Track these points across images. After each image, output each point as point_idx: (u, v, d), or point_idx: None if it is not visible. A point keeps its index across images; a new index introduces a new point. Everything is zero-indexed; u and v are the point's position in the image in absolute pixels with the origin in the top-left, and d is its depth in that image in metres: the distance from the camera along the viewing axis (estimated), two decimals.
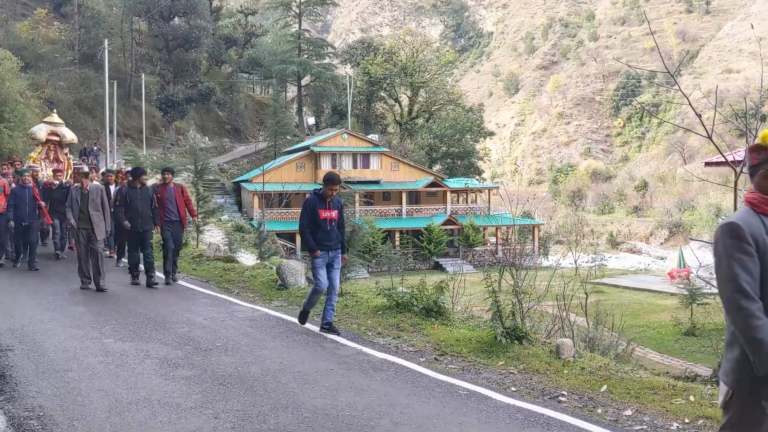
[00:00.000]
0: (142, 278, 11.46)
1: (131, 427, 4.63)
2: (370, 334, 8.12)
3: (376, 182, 50.20)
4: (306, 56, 66.96)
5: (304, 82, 68.91)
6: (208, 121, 65.09)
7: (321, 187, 7.89)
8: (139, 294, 10.73)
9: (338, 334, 7.82)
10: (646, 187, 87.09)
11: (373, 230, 40.79)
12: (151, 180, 16.21)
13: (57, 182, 14.76)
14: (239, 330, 8.05)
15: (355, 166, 49.49)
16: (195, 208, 13.99)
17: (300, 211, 8.10)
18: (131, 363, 6.37)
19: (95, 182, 12.54)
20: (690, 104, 8.05)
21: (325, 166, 48.85)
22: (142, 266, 11.55)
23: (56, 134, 17.89)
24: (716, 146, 8.40)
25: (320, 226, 7.79)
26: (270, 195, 37.75)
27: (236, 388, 5.64)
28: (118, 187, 12.33)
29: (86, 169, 13.02)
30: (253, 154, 57.11)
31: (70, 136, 18.33)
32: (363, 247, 18.80)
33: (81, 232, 10.83)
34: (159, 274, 11.76)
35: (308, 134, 65.39)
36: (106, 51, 36.69)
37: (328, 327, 7.98)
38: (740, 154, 8.98)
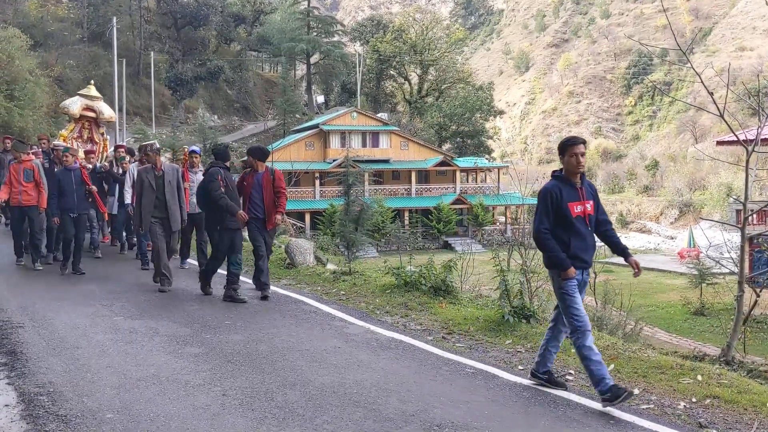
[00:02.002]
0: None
1: (140, 404, 4.67)
2: (378, 312, 8.14)
3: (386, 161, 50.11)
4: (315, 34, 66.66)
5: (313, 60, 68.66)
6: (217, 99, 65.05)
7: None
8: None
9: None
10: (657, 166, 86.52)
11: (383, 209, 40.81)
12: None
13: (90, 166, 12.53)
14: (247, 308, 8.08)
15: (364, 145, 49.39)
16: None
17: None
18: (140, 340, 6.42)
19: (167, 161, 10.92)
20: (702, 82, 7.96)
21: (335, 144, 48.80)
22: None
23: (92, 110, 14.91)
24: (728, 125, 8.31)
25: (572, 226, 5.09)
26: None
27: (244, 365, 5.67)
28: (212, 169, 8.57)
29: (157, 144, 11.03)
30: (262, 133, 57.13)
31: (108, 112, 15.35)
32: (372, 226, 18.82)
33: (155, 222, 8.98)
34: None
35: (317, 113, 65.26)
36: (115, 29, 36.65)
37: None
38: (752, 132, 8.89)
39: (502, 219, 52.57)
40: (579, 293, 5.05)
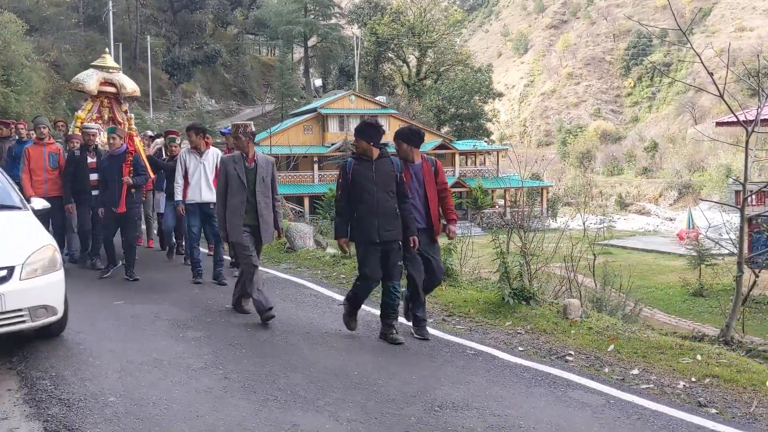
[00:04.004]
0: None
1: (143, 387, 4.69)
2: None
3: (385, 144, 49.91)
4: (312, 16, 66.30)
5: (310, 43, 68.36)
6: (214, 83, 64.82)
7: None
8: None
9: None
10: (656, 147, 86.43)
11: None
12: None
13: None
14: None
15: None
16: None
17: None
18: (142, 325, 6.44)
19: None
20: (702, 63, 7.93)
21: (333, 128, 48.67)
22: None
23: (111, 83, 11.87)
24: (728, 105, 8.29)
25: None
26: (277, 158, 37.72)
27: (246, 349, 5.70)
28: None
29: (253, 127, 7.00)
30: (260, 117, 56.97)
31: (130, 86, 12.20)
32: None
33: (254, 232, 6.64)
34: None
35: (315, 96, 65.07)
36: (111, 13, 36.43)
37: None
38: (752, 113, 8.88)
39: (502, 202, 52.56)
40: None
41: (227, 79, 66.63)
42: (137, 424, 4.06)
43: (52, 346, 5.60)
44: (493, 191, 51.15)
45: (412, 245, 5.95)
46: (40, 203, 6.45)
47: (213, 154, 8.62)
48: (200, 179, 8.45)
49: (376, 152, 5.96)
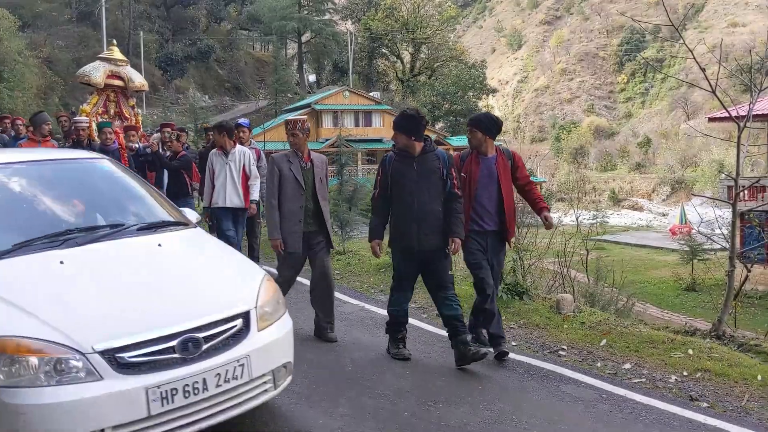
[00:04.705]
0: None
1: None
2: (372, 291, 8.19)
3: (379, 140, 49.95)
4: (306, 12, 66.09)
5: (304, 38, 68.18)
6: (208, 79, 64.61)
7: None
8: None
9: None
10: (649, 143, 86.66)
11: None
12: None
13: (136, 146, 9.71)
14: None
15: (357, 125, 49.20)
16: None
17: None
18: None
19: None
20: (695, 58, 7.95)
21: (327, 124, 48.61)
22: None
23: (119, 76, 11.21)
24: (720, 101, 8.32)
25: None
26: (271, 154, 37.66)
27: None
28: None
29: (308, 123, 6.28)
30: (254, 113, 56.75)
31: (138, 80, 11.56)
32: (365, 205, 18.79)
33: (309, 239, 5.88)
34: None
35: (309, 92, 64.91)
36: (104, 9, 36.25)
37: None
38: (744, 109, 8.92)
39: None
40: None
41: (221, 75, 66.38)
42: None
43: None
44: None
45: (451, 248, 5.17)
46: (193, 215, 4.80)
47: (240, 153, 7.90)
48: (225, 182, 7.76)
49: (419, 147, 5.25)
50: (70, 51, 46.79)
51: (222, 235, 7.43)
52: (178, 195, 8.67)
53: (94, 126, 10.07)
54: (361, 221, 12.88)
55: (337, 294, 7.76)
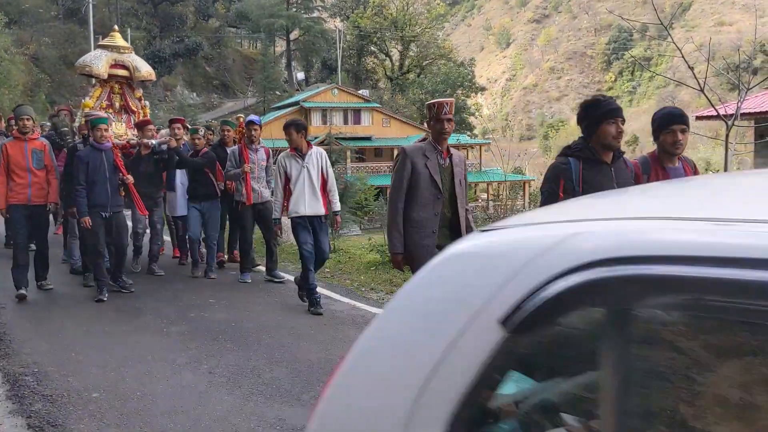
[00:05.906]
0: None
1: (127, 382, 4.67)
2: (363, 289, 8.18)
3: (368, 138, 49.93)
4: (294, 9, 65.96)
5: (292, 36, 68.03)
6: (195, 76, 64.33)
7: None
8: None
9: None
10: (637, 141, 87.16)
11: (365, 187, 40.69)
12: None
13: (153, 142, 8.56)
14: (232, 287, 8.08)
15: (346, 122, 49.14)
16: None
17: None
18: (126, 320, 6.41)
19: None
20: (683, 57, 7.99)
21: (316, 122, 48.51)
22: None
23: (124, 66, 9.84)
24: (708, 99, 8.37)
25: None
26: None
27: (230, 343, 5.68)
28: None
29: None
30: (242, 110, 56.55)
31: (145, 69, 10.17)
32: (355, 203, 18.80)
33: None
34: None
35: (298, 89, 64.78)
36: (91, 5, 36.00)
37: None
38: (731, 107, 8.98)
39: (484, 196, 52.73)
40: None
41: (209, 72, 66.12)
42: (121, 419, 4.05)
43: (35, 343, 5.56)
44: (475, 185, 51.30)
45: None
46: None
47: (317, 155, 6.90)
48: (304, 188, 6.70)
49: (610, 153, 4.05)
50: (56, 48, 46.46)
51: (299, 248, 6.80)
52: (205, 197, 8.27)
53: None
54: (351, 219, 12.89)
55: (327, 292, 7.77)
